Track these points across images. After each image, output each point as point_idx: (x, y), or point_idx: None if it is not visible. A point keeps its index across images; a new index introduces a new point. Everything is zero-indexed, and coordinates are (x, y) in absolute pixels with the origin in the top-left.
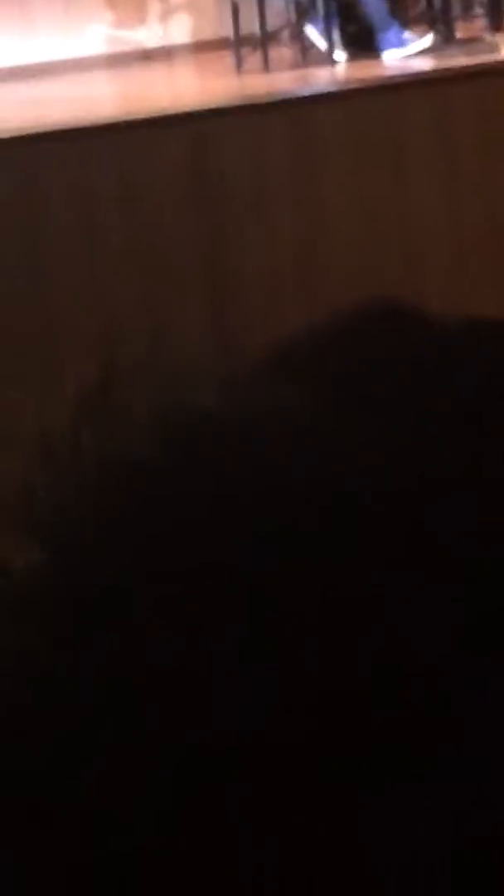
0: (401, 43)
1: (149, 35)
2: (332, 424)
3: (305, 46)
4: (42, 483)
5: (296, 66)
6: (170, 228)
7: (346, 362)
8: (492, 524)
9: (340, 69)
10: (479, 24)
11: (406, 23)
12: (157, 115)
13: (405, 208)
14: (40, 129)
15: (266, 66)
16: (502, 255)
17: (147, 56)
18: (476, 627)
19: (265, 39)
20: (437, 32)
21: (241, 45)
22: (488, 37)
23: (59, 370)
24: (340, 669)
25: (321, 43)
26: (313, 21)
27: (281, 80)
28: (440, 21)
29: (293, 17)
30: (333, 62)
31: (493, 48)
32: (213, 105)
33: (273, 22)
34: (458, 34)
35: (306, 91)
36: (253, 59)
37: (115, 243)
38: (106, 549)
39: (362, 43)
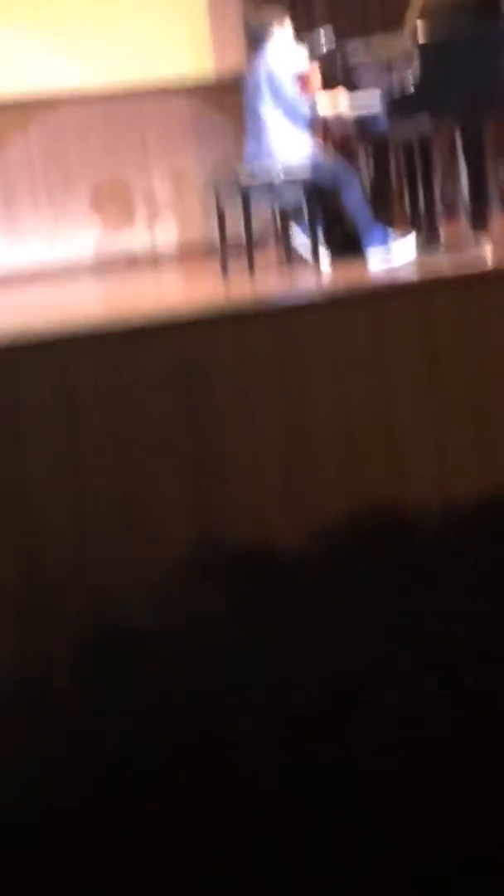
0: (386, 246)
1: (136, 239)
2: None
3: (291, 250)
4: None
5: (281, 269)
6: (154, 436)
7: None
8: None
9: (325, 273)
10: (464, 224)
11: (390, 225)
12: (141, 325)
13: (389, 417)
14: (26, 339)
15: (252, 270)
16: (486, 465)
17: (134, 260)
18: None
19: (251, 244)
20: (420, 234)
21: (227, 249)
22: (472, 238)
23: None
24: None
25: (306, 246)
26: (299, 224)
27: (266, 285)
28: (424, 222)
29: (278, 220)
30: (318, 265)
31: (477, 249)
32: (198, 311)
33: (259, 226)
34: (443, 235)
35: (290, 300)
36: (239, 263)
37: (100, 451)
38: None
39: (347, 246)
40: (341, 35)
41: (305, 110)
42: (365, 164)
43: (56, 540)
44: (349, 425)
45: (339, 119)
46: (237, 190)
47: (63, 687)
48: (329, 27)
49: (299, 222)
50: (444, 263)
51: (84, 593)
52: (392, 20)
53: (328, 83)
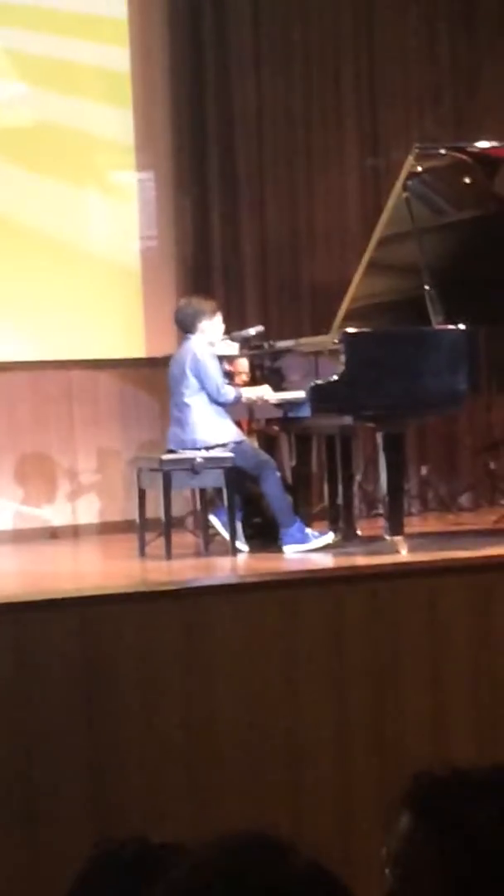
0: (303, 539)
1: (56, 513)
2: None
3: (209, 534)
4: None
5: (198, 553)
6: (54, 712)
7: None
8: None
9: (241, 561)
10: (382, 522)
11: (309, 515)
12: (49, 596)
13: (292, 709)
14: None
15: (168, 552)
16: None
17: (54, 534)
18: None
19: (168, 527)
20: (338, 530)
21: (146, 529)
22: (388, 538)
23: None
24: None
25: (224, 533)
26: (218, 511)
27: (181, 567)
28: (342, 519)
29: (198, 505)
30: (235, 553)
31: (393, 549)
32: (109, 589)
33: (179, 508)
34: (361, 532)
35: (200, 582)
36: (157, 543)
37: None
38: None
39: (265, 536)
40: (272, 337)
41: (230, 396)
42: (287, 452)
43: None
44: (252, 720)
45: (262, 406)
46: (159, 471)
47: None
48: (261, 327)
49: (218, 506)
50: (358, 557)
51: None
52: (321, 326)
53: (255, 378)
